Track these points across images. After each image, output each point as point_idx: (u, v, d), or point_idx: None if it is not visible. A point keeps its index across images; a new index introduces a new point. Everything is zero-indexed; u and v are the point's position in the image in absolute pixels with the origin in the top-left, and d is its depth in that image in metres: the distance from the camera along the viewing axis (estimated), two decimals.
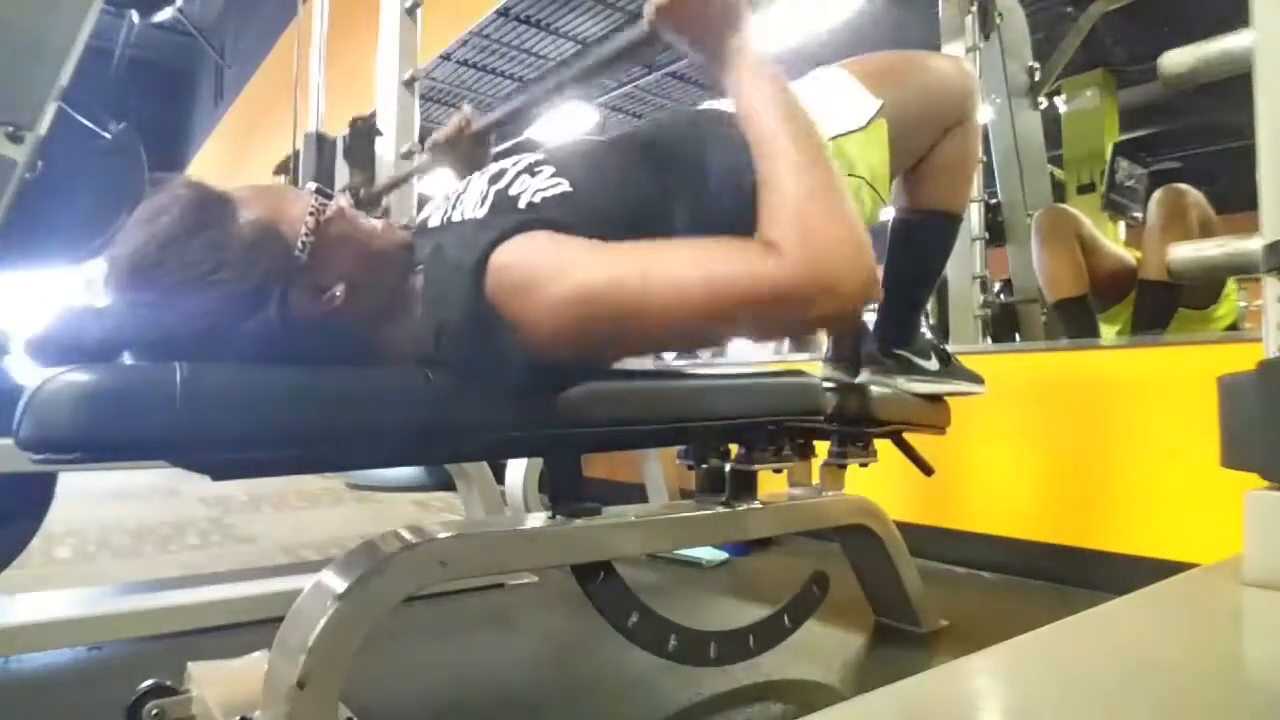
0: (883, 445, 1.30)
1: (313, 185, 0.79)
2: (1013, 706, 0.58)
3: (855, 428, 1.23)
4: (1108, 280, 2.29)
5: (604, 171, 0.90)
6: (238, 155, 6.78)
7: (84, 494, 2.86)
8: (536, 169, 0.88)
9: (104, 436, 0.61)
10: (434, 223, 0.95)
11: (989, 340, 2.55)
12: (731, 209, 0.83)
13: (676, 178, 0.91)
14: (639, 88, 7.40)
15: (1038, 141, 2.94)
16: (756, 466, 1.05)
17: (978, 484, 1.80)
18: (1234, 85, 0.90)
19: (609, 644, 1.02)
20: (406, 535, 0.79)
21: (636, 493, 2.22)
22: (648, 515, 0.98)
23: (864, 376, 1.27)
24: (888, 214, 1.22)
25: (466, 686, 1.15)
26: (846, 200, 0.73)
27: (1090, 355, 1.79)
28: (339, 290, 0.77)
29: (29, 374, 0.63)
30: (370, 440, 0.76)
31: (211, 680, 0.87)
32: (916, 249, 1.24)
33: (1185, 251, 0.92)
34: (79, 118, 1.60)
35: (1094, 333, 2.29)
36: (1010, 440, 1.76)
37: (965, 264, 2.47)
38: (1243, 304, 2.30)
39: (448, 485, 2.81)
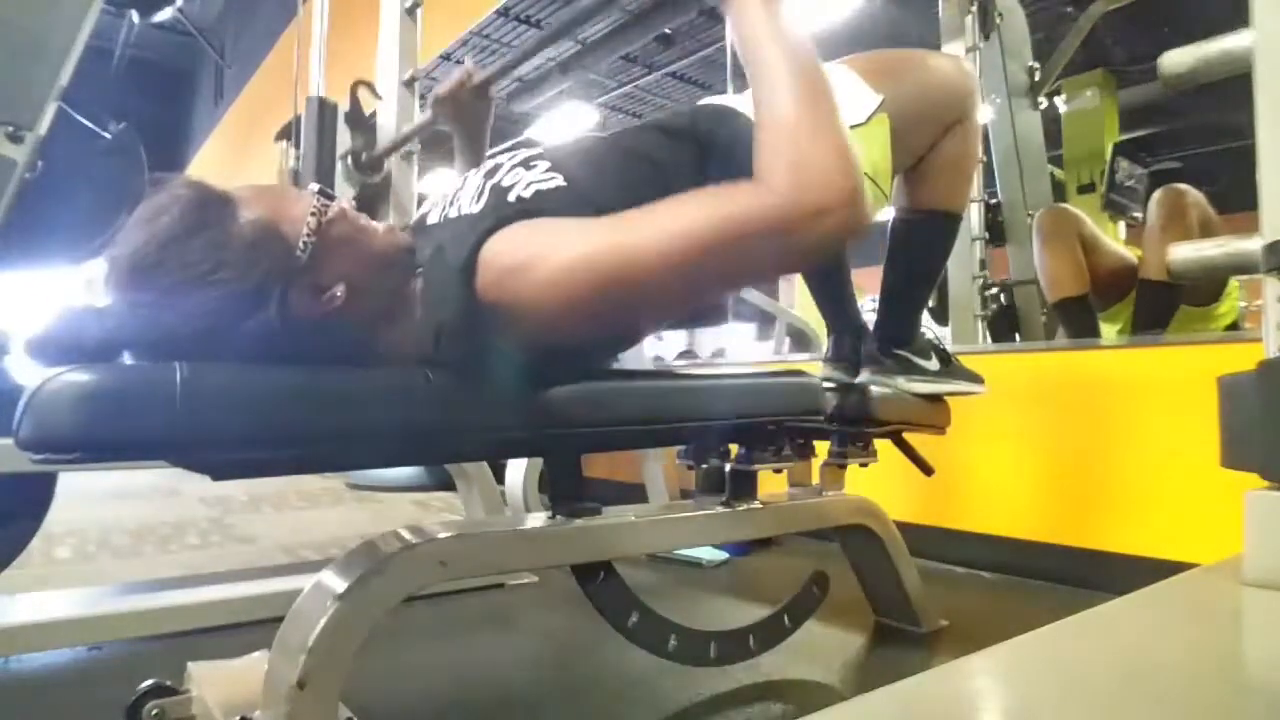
0: (883, 445, 1.30)
1: (315, 186, 0.79)
2: (1013, 706, 0.58)
3: (855, 428, 1.23)
4: (1109, 279, 2.29)
5: (601, 168, 0.90)
6: (238, 155, 6.78)
7: (84, 494, 2.86)
8: (532, 163, 0.88)
9: (104, 436, 0.61)
10: (433, 219, 0.95)
11: (988, 339, 2.55)
12: None
13: (674, 174, 0.90)
14: (639, 88, 7.40)
15: (1038, 141, 2.94)
16: (756, 466, 1.06)
17: (978, 484, 1.80)
18: (1234, 85, 0.90)
19: (609, 644, 1.02)
20: (406, 535, 0.79)
21: (636, 493, 2.22)
22: (648, 515, 0.98)
23: (864, 376, 1.27)
24: (888, 214, 1.23)
25: (466, 686, 1.15)
26: (839, 127, 0.70)
27: (1090, 355, 1.79)
28: (339, 291, 0.77)
29: (29, 374, 0.63)
30: (370, 440, 0.76)
31: (211, 680, 0.87)
32: (916, 249, 1.24)
33: (1185, 251, 0.92)
34: (79, 118, 1.61)
35: (1094, 333, 2.29)
36: (1010, 440, 1.76)
37: (965, 264, 2.47)
38: (1243, 304, 2.30)
39: (448, 485, 2.81)
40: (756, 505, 1.07)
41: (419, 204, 2.19)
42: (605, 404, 0.88)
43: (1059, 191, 3.53)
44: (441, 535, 0.80)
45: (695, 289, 0.75)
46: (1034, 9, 3.40)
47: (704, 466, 1.07)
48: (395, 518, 2.63)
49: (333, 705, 0.70)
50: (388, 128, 2.27)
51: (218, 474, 0.74)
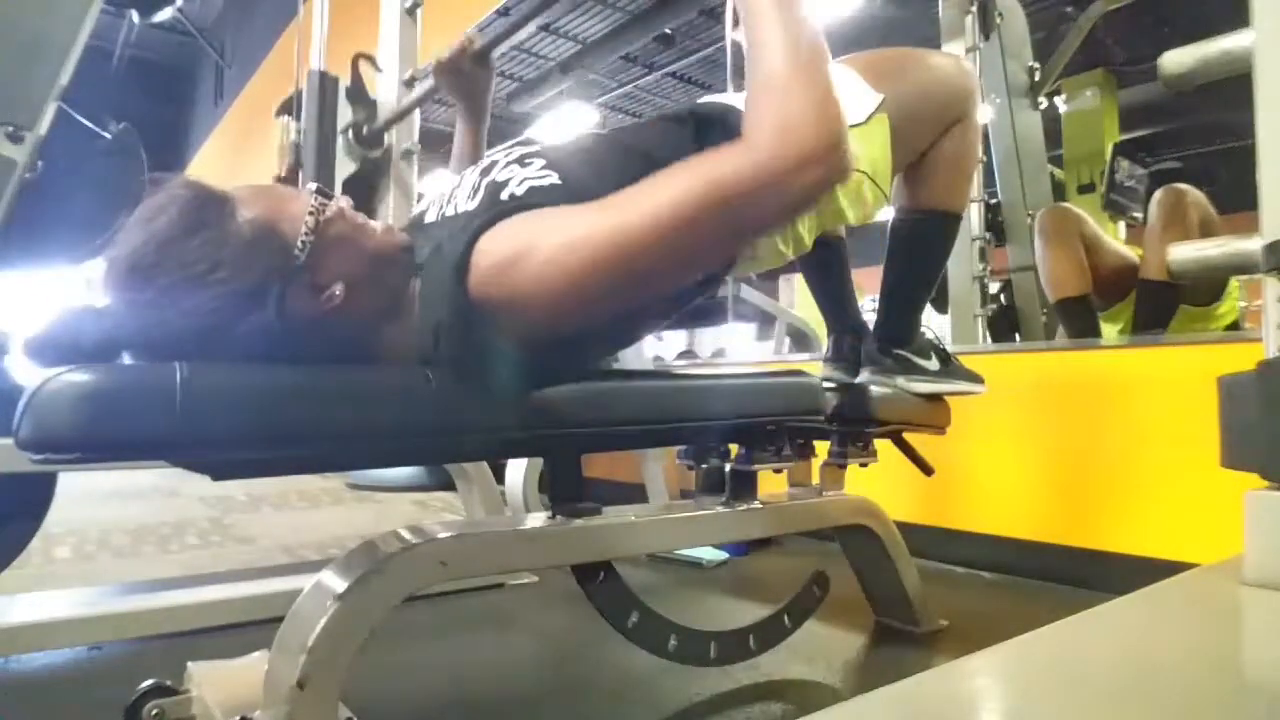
0: (883, 445, 1.30)
1: (313, 185, 0.79)
2: (1013, 706, 0.57)
3: (855, 428, 1.23)
4: (1110, 278, 2.29)
5: (598, 164, 0.90)
6: (238, 155, 6.78)
7: (84, 494, 2.86)
8: (527, 160, 0.88)
9: (104, 436, 0.61)
10: (431, 218, 0.95)
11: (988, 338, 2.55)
12: None
13: None
14: (639, 88, 7.41)
15: (1038, 141, 2.94)
16: (756, 466, 1.06)
17: (978, 484, 1.80)
18: (1234, 85, 0.90)
19: (609, 644, 1.02)
20: (406, 535, 0.79)
21: (636, 493, 2.22)
22: (648, 515, 0.98)
23: (864, 376, 1.27)
24: (888, 213, 1.23)
25: (466, 686, 1.15)
26: (826, 83, 0.69)
27: (1090, 355, 1.79)
28: (338, 290, 0.77)
29: (29, 374, 0.63)
30: (370, 440, 0.76)
31: (211, 680, 0.87)
32: (916, 248, 1.24)
33: (1185, 251, 0.92)
34: (79, 118, 1.61)
35: (1096, 333, 2.29)
36: (1010, 440, 1.76)
37: (965, 264, 2.47)
38: (1243, 304, 2.30)
39: (448, 485, 2.81)
40: (756, 505, 1.07)
41: (418, 200, 2.19)
42: (605, 404, 0.88)
43: (1059, 191, 3.53)
44: (441, 535, 0.80)
45: (689, 258, 0.74)
46: (1034, 9, 3.39)
47: (704, 466, 1.07)
48: (395, 518, 2.63)
49: (333, 705, 0.70)
50: (388, 106, 2.26)
51: (218, 474, 0.74)
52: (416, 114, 2.26)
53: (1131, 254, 2.35)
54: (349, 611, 0.71)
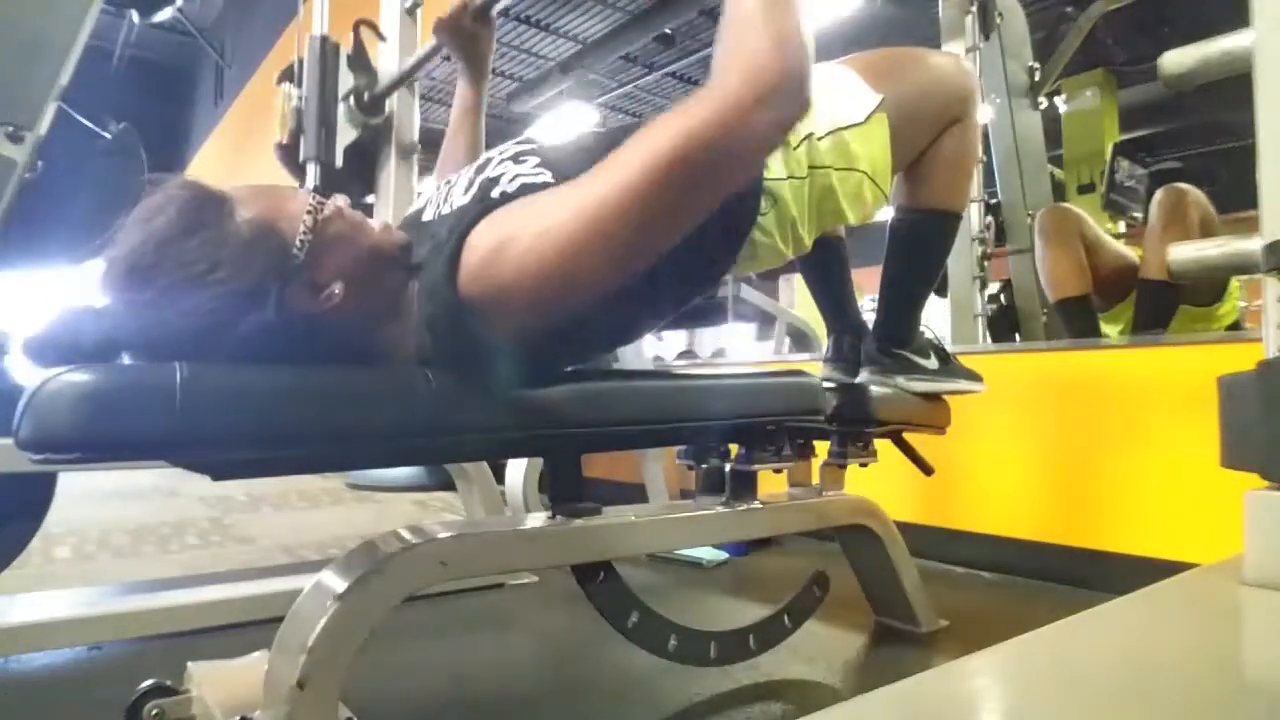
0: (883, 445, 1.30)
1: (311, 186, 0.79)
2: (1013, 706, 0.57)
3: (855, 428, 1.23)
4: (1111, 278, 2.29)
5: (593, 161, 0.90)
6: (238, 155, 6.77)
7: (84, 494, 2.86)
8: (522, 158, 0.88)
9: (104, 436, 0.61)
10: (428, 216, 0.94)
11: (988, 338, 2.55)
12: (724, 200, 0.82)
13: None
14: (639, 87, 7.41)
15: (1038, 141, 2.94)
16: (756, 466, 1.06)
17: (978, 484, 1.80)
18: (1234, 85, 0.90)
19: (609, 644, 1.02)
20: (406, 535, 0.79)
21: (636, 493, 2.22)
22: (648, 515, 0.98)
23: (864, 376, 1.27)
24: (887, 213, 1.23)
25: (466, 686, 1.15)
26: (790, 21, 0.68)
27: (1090, 355, 1.79)
28: (337, 289, 0.76)
29: (29, 374, 0.63)
30: (370, 440, 0.76)
31: (211, 680, 0.87)
32: (916, 248, 1.24)
33: (1185, 251, 0.92)
34: (79, 118, 1.61)
35: (1096, 333, 2.29)
36: (1010, 440, 1.76)
37: (965, 264, 2.47)
38: (1243, 304, 2.30)
39: (448, 485, 2.81)
40: (756, 505, 1.07)
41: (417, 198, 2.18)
42: (605, 404, 0.88)
43: (1059, 191, 3.53)
44: (441, 535, 0.80)
45: (668, 222, 0.72)
46: (1034, 9, 3.40)
47: (704, 466, 1.07)
48: (395, 518, 2.63)
49: (333, 705, 0.70)
50: (389, 72, 2.25)
51: (218, 474, 0.74)
52: (417, 87, 2.24)
53: (1132, 254, 2.35)
54: (349, 611, 0.71)
